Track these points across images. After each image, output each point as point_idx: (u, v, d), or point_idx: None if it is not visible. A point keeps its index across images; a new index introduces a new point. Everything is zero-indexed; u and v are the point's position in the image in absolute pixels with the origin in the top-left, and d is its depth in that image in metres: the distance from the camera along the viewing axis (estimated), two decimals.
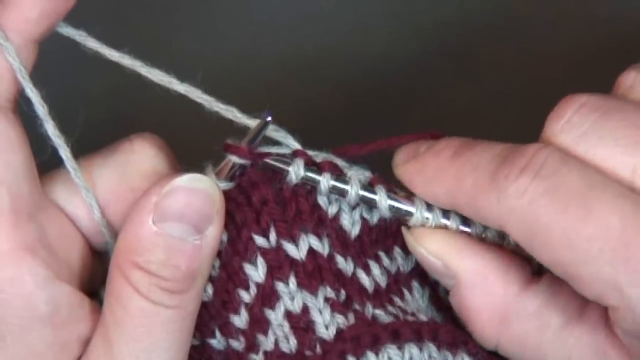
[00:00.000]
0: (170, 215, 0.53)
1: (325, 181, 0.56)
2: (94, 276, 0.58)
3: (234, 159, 0.56)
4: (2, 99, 0.55)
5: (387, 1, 0.83)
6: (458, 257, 0.55)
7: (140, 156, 0.58)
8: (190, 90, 0.58)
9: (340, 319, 0.55)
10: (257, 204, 0.56)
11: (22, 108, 0.55)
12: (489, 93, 0.76)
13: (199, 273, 0.54)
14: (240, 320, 0.56)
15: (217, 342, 0.57)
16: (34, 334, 0.54)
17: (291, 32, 0.82)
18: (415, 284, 0.58)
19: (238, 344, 0.57)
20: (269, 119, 0.56)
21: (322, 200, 0.57)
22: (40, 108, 0.56)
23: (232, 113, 0.58)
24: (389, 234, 0.58)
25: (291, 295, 0.56)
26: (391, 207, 0.56)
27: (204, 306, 0.56)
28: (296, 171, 0.56)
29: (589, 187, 0.51)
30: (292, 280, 0.56)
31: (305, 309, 0.56)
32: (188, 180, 0.54)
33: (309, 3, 0.82)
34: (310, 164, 0.57)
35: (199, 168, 0.56)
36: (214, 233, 0.54)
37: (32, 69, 0.56)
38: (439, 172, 0.55)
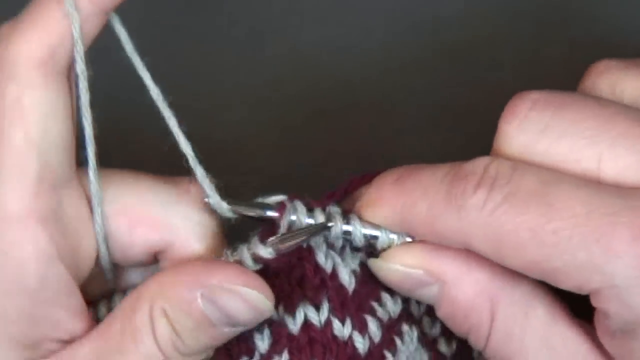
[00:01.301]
0: (218, 305, 0.54)
1: (339, 227, 0.55)
2: (94, 279, 0.58)
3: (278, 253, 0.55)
4: (60, 65, 0.54)
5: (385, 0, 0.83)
6: (437, 259, 0.54)
7: (192, 200, 0.58)
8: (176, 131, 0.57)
9: None
10: (270, 274, 0.56)
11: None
12: (488, 92, 0.76)
13: (213, 348, 0.55)
14: None
15: None
16: (12, 300, 0.54)
17: (290, 31, 0.82)
18: (405, 328, 0.58)
19: None
20: (330, 224, 0.56)
21: (320, 259, 0.56)
22: (84, 84, 0.55)
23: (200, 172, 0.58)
24: (374, 279, 0.57)
25: None
26: (365, 236, 0.56)
27: None
28: (336, 228, 0.55)
29: (545, 185, 0.51)
30: (285, 356, 0.56)
31: None
32: (252, 295, 0.54)
33: (308, 2, 0.82)
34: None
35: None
36: (245, 329, 0.55)
37: (95, 40, 0.56)
38: (384, 203, 0.55)
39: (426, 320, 0.58)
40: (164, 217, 0.57)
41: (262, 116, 0.79)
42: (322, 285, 0.56)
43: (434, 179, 0.53)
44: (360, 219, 0.56)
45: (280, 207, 0.56)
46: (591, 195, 0.50)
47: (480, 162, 0.52)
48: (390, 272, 0.55)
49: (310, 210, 0.56)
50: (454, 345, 0.58)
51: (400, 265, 0.55)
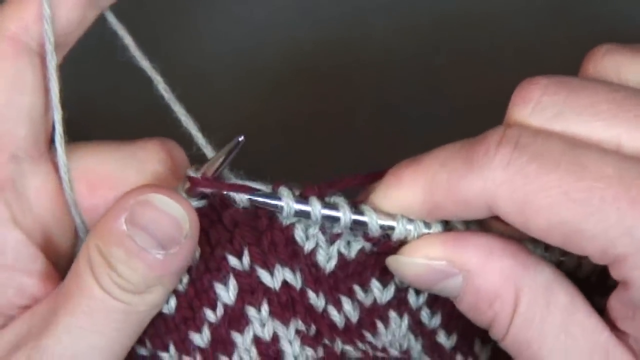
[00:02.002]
0: (137, 223, 0.53)
1: (316, 210, 0.55)
2: (73, 255, 0.59)
3: (197, 188, 0.55)
4: (33, 42, 0.55)
5: None
6: (459, 248, 0.53)
7: (148, 155, 0.58)
8: (182, 113, 0.58)
9: (309, 351, 0.55)
10: (229, 224, 0.56)
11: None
12: (488, 91, 0.76)
13: (157, 282, 0.54)
14: (201, 338, 0.56)
15: (168, 356, 0.57)
16: None
17: (290, 30, 0.82)
18: (392, 314, 0.57)
19: None
20: (241, 138, 0.55)
21: (299, 236, 0.56)
22: (52, 60, 0.56)
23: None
24: (367, 266, 0.57)
25: (262, 322, 0.56)
26: (382, 226, 0.55)
27: (163, 318, 0.56)
28: (289, 205, 0.55)
29: (574, 148, 0.50)
30: (265, 308, 0.55)
31: (275, 338, 0.55)
32: (159, 200, 0.54)
33: (308, 2, 0.82)
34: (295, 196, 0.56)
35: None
36: (179, 253, 0.54)
37: (80, 27, 0.56)
38: (403, 183, 0.54)
39: (425, 312, 0.58)
40: (120, 174, 0.57)
41: (262, 116, 0.79)
42: (295, 256, 0.56)
43: (451, 150, 0.53)
44: (374, 208, 0.55)
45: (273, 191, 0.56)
46: (619, 161, 0.50)
47: (499, 128, 0.52)
48: (413, 267, 0.55)
49: (304, 198, 0.55)
50: (455, 338, 0.58)
51: (423, 258, 0.54)
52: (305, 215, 0.55)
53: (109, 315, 0.54)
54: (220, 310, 0.56)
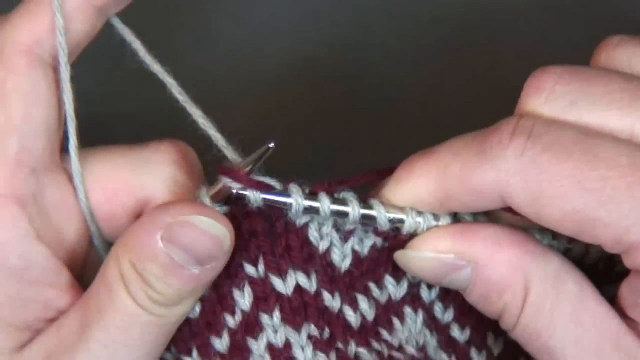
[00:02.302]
0: (177, 242, 0.53)
1: (325, 206, 0.55)
2: (86, 262, 0.58)
3: (228, 182, 0.55)
4: (46, 54, 0.55)
5: None
6: (467, 240, 0.54)
7: (162, 157, 0.58)
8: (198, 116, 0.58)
9: (321, 357, 0.55)
10: (246, 234, 0.56)
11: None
12: (488, 91, 0.76)
13: (190, 294, 0.55)
14: (220, 343, 0.56)
15: None
16: None
17: (290, 30, 0.82)
18: (407, 310, 0.57)
19: None
20: (272, 145, 0.55)
21: (313, 237, 0.56)
22: (64, 69, 0.56)
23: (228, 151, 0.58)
24: (379, 263, 0.57)
25: (274, 328, 0.56)
26: (391, 219, 0.55)
27: (188, 322, 0.57)
28: (297, 201, 0.55)
29: (587, 137, 0.50)
30: (277, 314, 0.56)
31: (288, 344, 0.56)
32: (204, 222, 0.53)
33: (307, 1, 0.82)
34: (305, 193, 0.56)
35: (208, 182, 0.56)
36: (215, 267, 0.54)
37: (90, 36, 0.56)
38: (415, 174, 0.54)
39: (438, 306, 0.58)
40: (135, 178, 0.57)
41: (262, 117, 0.79)
42: (310, 259, 0.56)
43: (464, 141, 0.53)
44: (383, 202, 0.55)
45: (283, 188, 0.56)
46: (633, 150, 0.50)
47: (512, 118, 0.52)
48: (421, 261, 0.55)
49: (313, 195, 0.55)
50: (468, 332, 0.58)
51: (431, 252, 0.54)
52: (314, 211, 0.55)
53: (143, 328, 0.54)
54: (238, 316, 0.56)
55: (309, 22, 0.82)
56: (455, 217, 0.55)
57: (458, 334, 0.58)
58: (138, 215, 0.57)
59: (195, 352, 0.57)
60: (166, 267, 0.53)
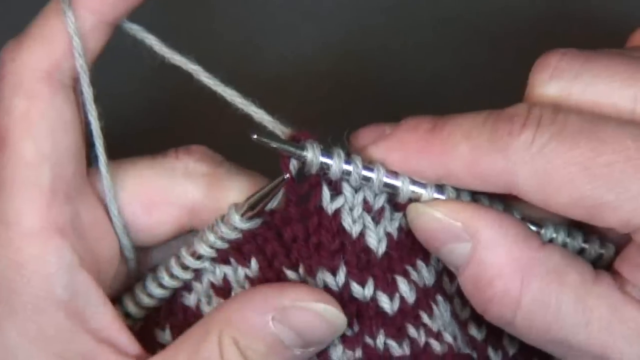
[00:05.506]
0: (291, 326, 0.53)
1: (358, 170, 0.55)
2: (117, 275, 0.58)
3: (313, 145, 0.56)
4: (66, 77, 0.55)
5: None
6: (477, 217, 0.54)
7: (184, 163, 0.58)
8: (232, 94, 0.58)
9: (348, 354, 0.56)
10: (288, 241, 0.57)
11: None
12: (488, 90, 0.76)
13: None
14: None
15: None
16: (47, 316, 0.54)
17: (290, 31, 0.82)
18: (440, 298, 0.58)
19: None
20: (287, 176, 0.56)
21: (346, 222, 0.57)
22: (87, 90, 0.55)
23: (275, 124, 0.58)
24: (412, 247, 0.57)
25: None
26: (386, 184, 0.56)
27: None
28: (337, 164, 0.56)
29: (591, 123, 0.51)
30: None
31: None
32: (326, 311, 0.54)
33: (307, 1, 0.82)
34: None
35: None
36: (317, 350, 0.55)
37: (102, 50, 0.56)
38: (421, 145, 0.54)
39: (457, 301, 0.58)
40: (169, 189, 0.57)
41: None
42: (340, 250, 0.56)
43: (475, 122, 0.54)
44: (384, 167, 0.56)
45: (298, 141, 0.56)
46: (637, 132, 0.51)
47: (523, 105, 0.53)
48: (429, 219, 0.55)
49: (328, 150, 0.56)
50: (485, 331, 0.59)
51: (442, 214, 0.55)
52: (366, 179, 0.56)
53: None
54: None
55: (309, 21, 0.82)
56: (473, 197, 0.56)
57: (475, 332, 0.59)
58: (184, 224, 0.58)
59: None
60: (273, 348, 0.53)
